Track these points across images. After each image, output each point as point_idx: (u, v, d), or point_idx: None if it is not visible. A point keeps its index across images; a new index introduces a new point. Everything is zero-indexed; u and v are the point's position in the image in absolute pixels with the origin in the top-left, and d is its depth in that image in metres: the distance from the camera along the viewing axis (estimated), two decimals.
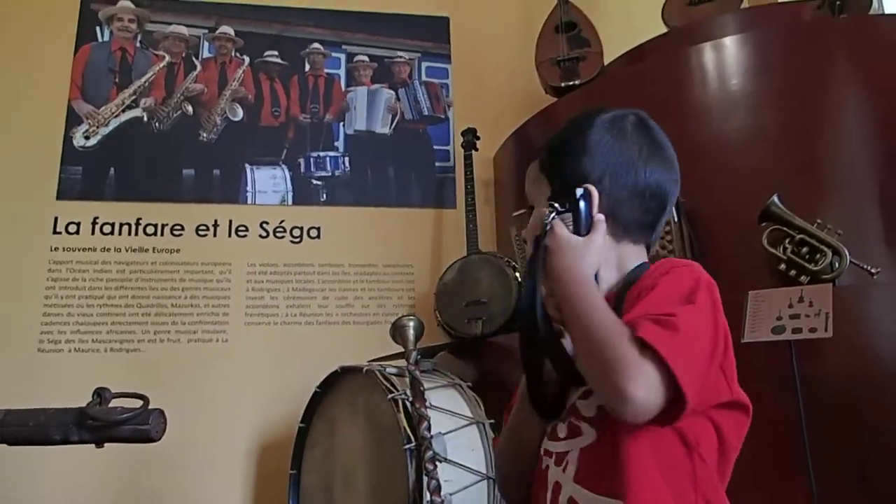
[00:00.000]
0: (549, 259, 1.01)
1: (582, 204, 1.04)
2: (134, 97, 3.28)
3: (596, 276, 1.02)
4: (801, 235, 2.11)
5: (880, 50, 2.39)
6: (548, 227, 1.03)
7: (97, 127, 3.20)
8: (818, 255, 2.07)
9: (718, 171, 2.43)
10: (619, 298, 1.03)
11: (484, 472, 2.26)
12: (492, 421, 2.39)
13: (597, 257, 1.01)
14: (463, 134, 3.23)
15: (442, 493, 1.92)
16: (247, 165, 3.29)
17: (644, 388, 0.85)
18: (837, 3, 2.55)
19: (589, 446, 1.00)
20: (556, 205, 1.05)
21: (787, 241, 2.13)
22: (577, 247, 1.01)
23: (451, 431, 2.24)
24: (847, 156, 2.31)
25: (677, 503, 0.94)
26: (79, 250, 3.01)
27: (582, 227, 1.03)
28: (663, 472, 0.94)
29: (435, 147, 3.48)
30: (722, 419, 0.99)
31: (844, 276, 2.06)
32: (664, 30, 3.11)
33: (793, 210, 2.15)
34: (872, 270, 2.06)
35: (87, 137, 3.18)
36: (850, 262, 2.05)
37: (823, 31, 2.51)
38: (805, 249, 2.10)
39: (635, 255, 1.10)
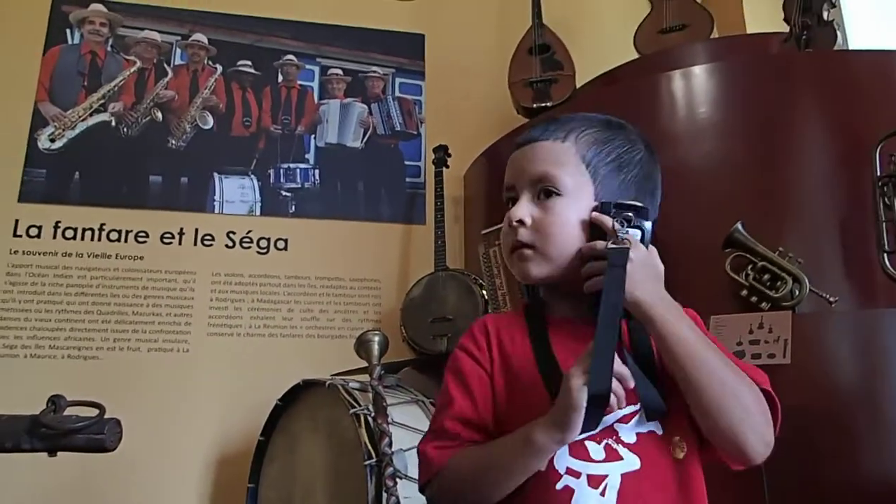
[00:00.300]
0: (632, 281, 0.96)
1: (647, 224, 0.99)
2: (102, 101, 3.24)
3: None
4: (763, 262, 2.14)
5: (843, 84, 2.45)
6: (625, 241, 0.97)
7: (63, 130, 3.16)
8: (779, 283, 2.10)
9: (684, 197, 2.46)
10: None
11: None
12: None
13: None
14: (434, 150, 3.25)
15: None
16: (215, 174, 3.26)
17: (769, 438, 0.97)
18: (804, 37, 2.61)
19: (633, 473, 0.98)
20: (629, 215, 0.98)
21: (749, 267, 2.16)
22: (658, 269, 1.00)
23: (412, 448, 2.23)
24: (809, 186, 2.36)
25: None
26: (39, 254, 2.96)
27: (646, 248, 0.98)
28: (694, 493, 1.03)
29: (406, 163, 3.49)
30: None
31: (804, 304, 2.09)
32: (636, 56, 3.16)
33: (756, 237, 2.19)
34: (831, 299, 2.10)
35: (52, 140, 3.13)
36: (810, 290, 2.08)
37: (790, 64, 2.57)
38: (767, 276, 2.13)
39: None
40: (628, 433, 1.00)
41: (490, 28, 3.76)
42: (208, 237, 3.14)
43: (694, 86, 2.58)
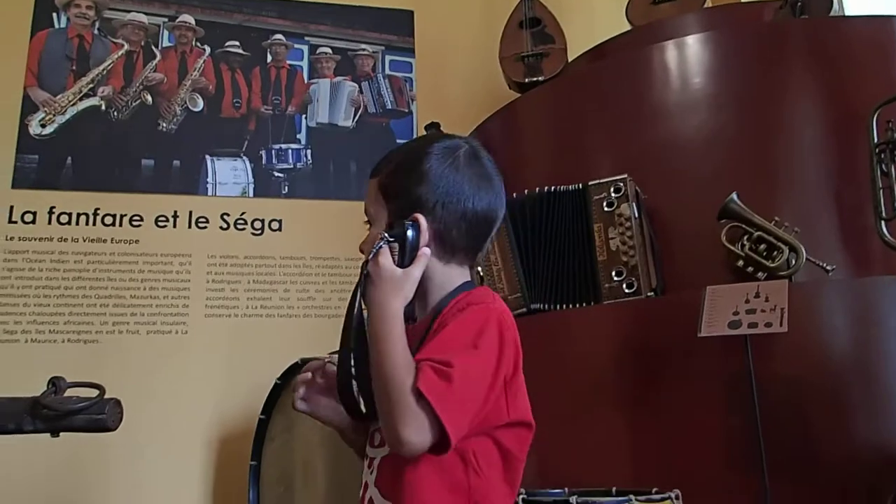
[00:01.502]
0: (367, 287, 1.10)
1: (410, 234, 1.11)
2: (92, 85, 3.22)
3: (413, 304, 1.12)
4: (759, 233, 2.14)
5: (838, 51, 2.44)
6: (371, 255, 1.10)
7: (54, 115, 3.13)
8: (775, 252, 2.11)
9: (679, 169, 2.47)
10: (434, 318, 1.13)
11: None
12: None
13: (411, 290, 1.10)
14: (426, 128, 3.24)
15: None
16: (207, 157, 3.24)
17: (416, 433, 0.98)
18: (798, 4, 2.60)
19: (387, 456, 1.11)
20: (387, 233, 1.11)
21: (745, 238, 2.17)
22: (392, 279, 1.09)
23: None
24: (805, 155, 2.36)
25: None
26: (35, 240, 2.95)
27: (406, 259, 1.10)
28: (441, 486, 1.05)
29: (398, 141, 3.46)
30: (504, 437, 1.09)
31: (800, 273, 2.10)
32: (627, 27, 3.14)
33: (751, 208, 2.19)
34: (828, 267, 2.11)
35: (43, 125, 3.11)
36: (807, 259, 2.09)
37: (784, 32, 2.56)
38: (763, 246, 2.14)
39: (459, 275, 1.18)
40: None
41: (479, 2, 3.74)
42: (202, 220, 3.13)
43: (687, 56, 2.57)
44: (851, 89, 2.36)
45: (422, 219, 1.12)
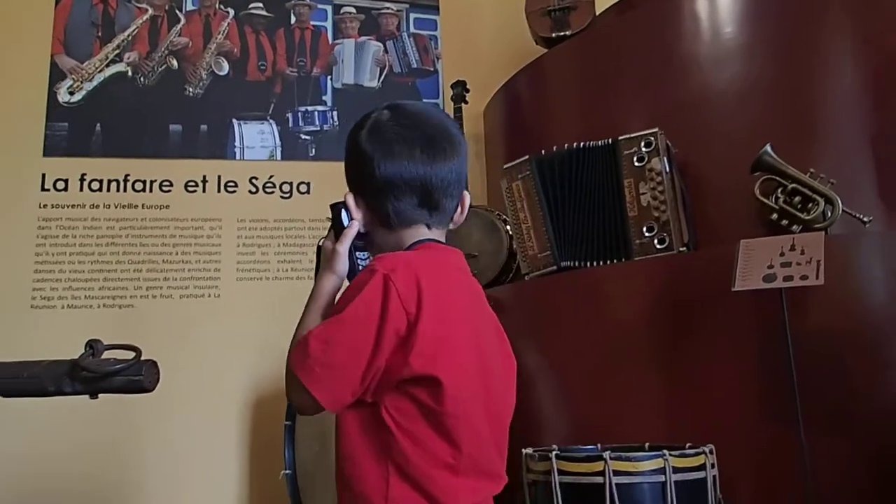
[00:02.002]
0: None
1: (333, 214, 1.22)
2: (117, 52, 3.22)
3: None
4: (793, 185, 2.10)
5: None
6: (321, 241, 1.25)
7: (81, 82, 3.15)
8: (810, 205, 2.07)
9: (710, 122, 2.42)
10: None
11: None
12: None
13: (340, 265, 1.21)
14: (452, 87, 3.20)
15: None
16: (234, 120, 3.25)
17: (296, 396, 1.12)
18: None
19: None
20: (328, 217, 1.23)
21: (779, 190, 2.12)
22: (325, 258, 1.22)
23: None
24: (842, 104, 2.30)
25: (372, 468, 1.09)
26: (68, 207, 2.99)
27: (337, 237, 1.22)
28: (363, 440, 1.11)
29: (424, 100, 3.44)
30: (415, 391, 1.09)
31: (836, 226, 2.06)
32: None
33: (786, 160, 2.15)
34: (865, 219, 2.07)
35: (71, 93, 3.13)
36: (843, 210, 2.05)
37: None
38: (797, 199, 2.09)
39: (413, 237, 1.22)
40: None
41: None
42: (231, 184, 3.15)
43: (718, 5, 2.50)
44: (892, 33, 2.27)
45: (349, 198, 1.22)
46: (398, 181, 1.19)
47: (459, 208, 1.28)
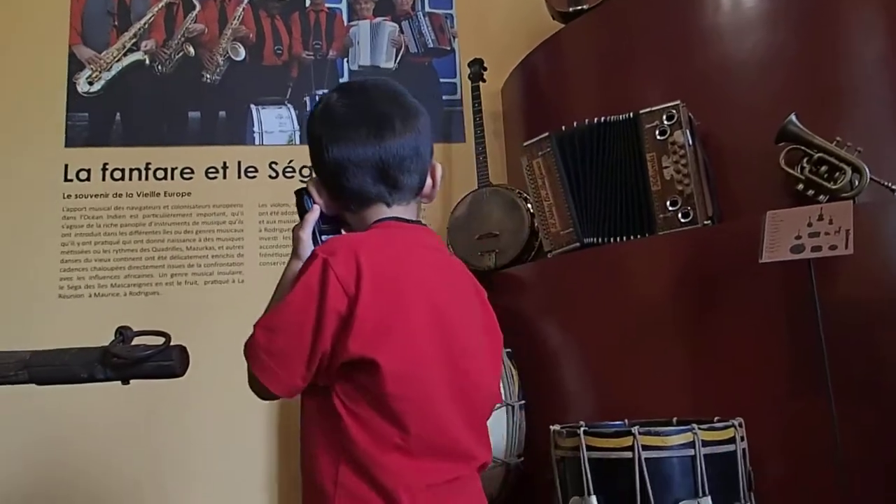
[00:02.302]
0: None
1: (296, 201, 1.26)
2: (134, 40, 3.23)
3: None
4: (819, 154, 2.07)
5: None
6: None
7: (100, 72, 3.16)
8: (837, 174, 2.04)
9: (733, 93, 2.38)
10: None
11: (502, 399, 2.29)
12: (508, 350, 2.41)
13: (301, 248, 1.22)
14: (469, 65, 3.18)
15: None
16: (252, 106, 3.25)
17: (252, 387, 1.13)
18: None
19: None
20: None
21: (805, 160, 2.09)
22: (293, 244, 1.24)
23: None
24: (868, 71, 2.25)
25: (325, 453, 1.11)
26: (91, 196, 3.01)
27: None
28: (320, 427, 1.13)
29: (441, 80, 3.42)
30: (357, 375, 1.09)
31: (864, 194, 2.03)
32: None
33: (810, 129, 2.11)
34: (893, 187, 2.03)
35: (90, 83, 3.15)
36: (871, 179, 2.02)
37: None
38: (824, 168, 2.06)
39: (374, 216, 1.23)
40: None
41: None
42: (251, 169, 3.15)
43: None
44: None
45: (310, 183, 1.25)
46: (347, 163, 1.19)
47: (431, 181, 1.27)
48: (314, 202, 1.24)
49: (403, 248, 1.17)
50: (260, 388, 1.11)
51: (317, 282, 1.08)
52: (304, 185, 1.26)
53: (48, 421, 2.70)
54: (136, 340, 1.24)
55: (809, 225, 1.79)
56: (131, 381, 1.23)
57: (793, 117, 2.10)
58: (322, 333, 1.07)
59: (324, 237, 1.23)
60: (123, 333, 1.21)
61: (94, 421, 2.73)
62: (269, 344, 1.10)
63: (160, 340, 1.23)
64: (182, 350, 1.24)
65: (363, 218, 1.22)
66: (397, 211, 1.23)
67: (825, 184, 2.04)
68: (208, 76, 3.25)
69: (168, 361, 1.20)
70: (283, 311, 1.11)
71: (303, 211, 1.25)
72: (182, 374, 1.22)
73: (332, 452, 1.09)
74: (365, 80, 1.36)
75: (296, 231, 1.24)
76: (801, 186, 2.08)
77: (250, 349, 1.12)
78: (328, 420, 1.10)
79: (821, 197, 2.04)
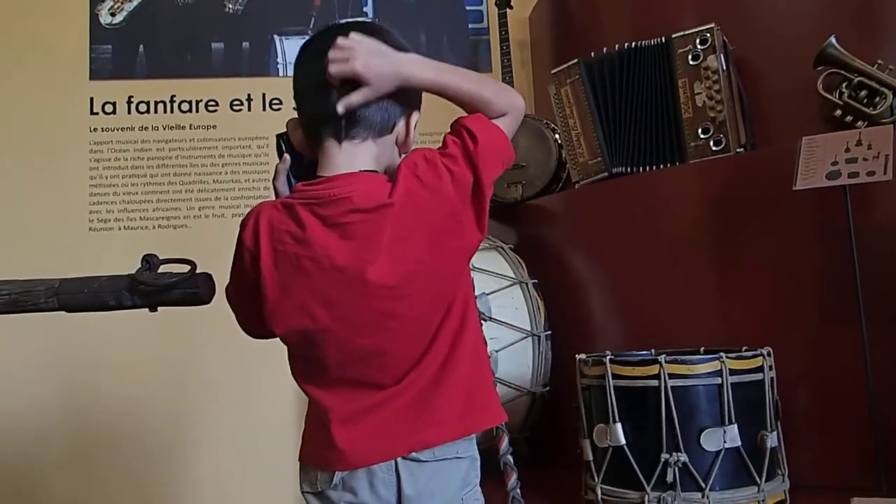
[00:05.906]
0: None
1: (276, 145, 1.29)
2: None
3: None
4: (859, 78, 1.99)
5: None
6: None
7: (122, 3, 3.13)
8: (877, 98, 1.97)
9: (769, 16, 2.29)
10: None
11: (528, 329, 2.30)
12: (535, 281, 2.40)
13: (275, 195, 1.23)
14: None
15: (488, 350, 1.95)
16: (275, 36, 3.20)
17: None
18: None
19: None
20: None
21: (843, 85, 2.02)
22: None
23: (494, 292, 2.26)
24: None
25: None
26: (117, 130, 3.02)
27: None
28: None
29: (467, 7, 3.33)
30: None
31: None
32: None
33: (851, 52, 2.03)
34: None
35: (112, 14, 3.11)
36: None
37: None
38: (863, 93, 1.99)
39: (326, 162, 1.20)
40: None
41: None
42: (276, 101, 3.13)
43: None
44: None
45: (288, 124, 1.28)
46: (295, 97, 1.24)
47: (404, 130, 1.21)
48: (284, 151, 1.25)
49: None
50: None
51: (238, 240, 1.21)
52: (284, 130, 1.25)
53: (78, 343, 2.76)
54: (163, 269, 1.25)
55: (847, 150, 1.73)
56: (159, 309, 1.24)
57: (832, 40, 2.02)
58: (246, 294, 1.19)
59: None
60: (150, 261, 1.22)
61: (118, 354, 2.79)
62: (232, 301, 1.26)
63: (186, 268, 1.23)
64: (208, 277, 1.24)
65: (322, 165, 1.19)
66: (347, 151, 1.17)
67: (864, 109, 1.97)
68: (230, 6, 3.20)
69: (194, 289, 1.20)
70: (231, 269, 1.23)
71: (281, 154, 1.25)
72: (209, 301, 1.24)
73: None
74: (337, 23, 1.34)
75: (273, 182, 1.25)
76: (838, 112, 2.01)
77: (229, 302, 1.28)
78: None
79: (859, 123, 1.97)
